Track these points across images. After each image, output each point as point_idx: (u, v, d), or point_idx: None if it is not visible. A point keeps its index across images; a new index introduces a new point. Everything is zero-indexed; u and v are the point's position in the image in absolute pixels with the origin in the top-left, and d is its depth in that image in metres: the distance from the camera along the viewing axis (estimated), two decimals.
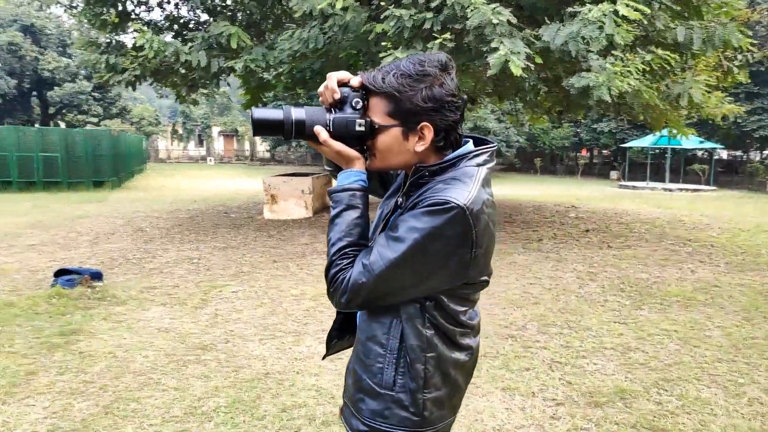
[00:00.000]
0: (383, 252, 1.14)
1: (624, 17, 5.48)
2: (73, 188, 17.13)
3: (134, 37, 8.04)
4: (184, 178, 25.53)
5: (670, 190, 23.26)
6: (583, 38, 5.53)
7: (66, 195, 15.82)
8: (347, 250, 1.21)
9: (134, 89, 9.77)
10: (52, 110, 33.80)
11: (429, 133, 1.19)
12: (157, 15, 11.55)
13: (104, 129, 20.78)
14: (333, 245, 1.22)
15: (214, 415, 3.10)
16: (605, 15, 5.41)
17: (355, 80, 1.22)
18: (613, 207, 14.82)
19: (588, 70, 6.10)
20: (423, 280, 1.16)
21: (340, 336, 1.48)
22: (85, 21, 9.52)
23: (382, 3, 6.48)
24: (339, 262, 1.20)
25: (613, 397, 3.41)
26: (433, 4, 5.93)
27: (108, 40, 9.76)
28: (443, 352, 1.24)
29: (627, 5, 5.50)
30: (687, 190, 23.42)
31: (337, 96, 1.21)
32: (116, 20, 9.26)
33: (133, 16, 10.18)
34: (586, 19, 5.49)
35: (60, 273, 5.79)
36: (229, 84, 12.91)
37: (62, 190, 16.80)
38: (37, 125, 31.11)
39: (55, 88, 31.70)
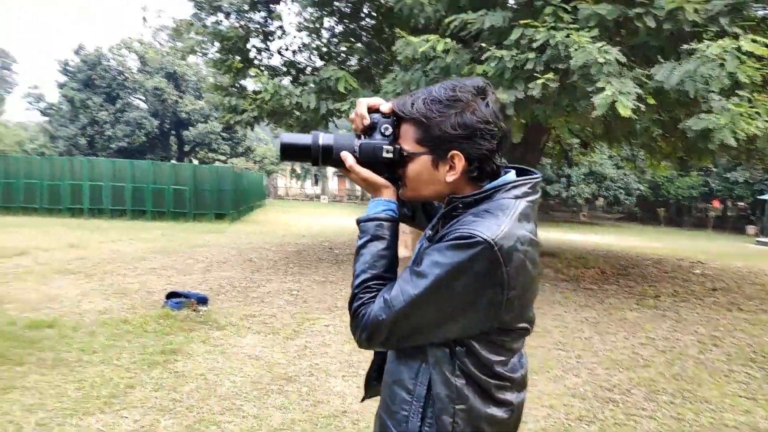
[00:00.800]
0: (405, 287, 1.08)
1: (749, 53, 4.99)
2: (197, 219, 18.62)
3: (253, 81, 8.70)
4: (297, 215, 26.83)
5: None
6: (702, 77, 5.10)
7: (191, 225, 17.23)
8: (371, 283, 1.15)
9: (252, 129, 10.51)
10: (186, 148, 37.40)
11: (460, 162, 1.12)
12: (276, 61, 12.57)
13: (229, 166, 22.54)
14: (357, 277, 1.17)
15: None
16: (726, 51, 4.96)
17: (386, 106, 1.19)
18: (748, 265, 13.30)
19: (709, 111, 5.60)
20: (448, 320, 1.07)
21: (379, 378, 1.39)
22: (213, 66, 10.50)
23: (483, 44, 6.45)
24: (362, 295, 1.15)
25: None
26: (535, 44, 5.81)
27: (231, 84, 10.66)
28: (475, 406, 1.12)
29: (754, 41, 5.01)
30: None
31: (366, 122, 1.19)
32: (239, 66, 10.11)
33: (255, 62, 11.07)
34: (704, 57, 5.07)
35: (171, 295, 6.24)
36: (336, 126, 13.50)
37: (188, 221, 18.32)
38: (173, 161, 34.48)
39: (190, 128, 35.14)
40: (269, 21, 10.70)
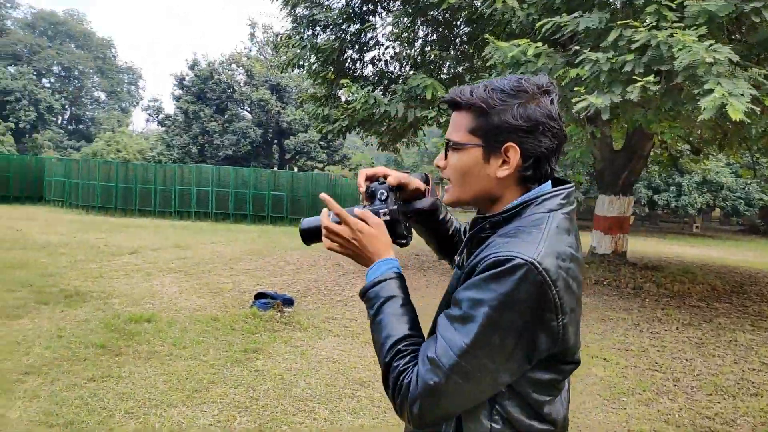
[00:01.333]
0: (451, 338, 0.93)
1: None
2: (294, 223, 19.34)
3: (343, 91, 8.93)
4: None
5: None
6: None
7: (287, 229, 17.94)
8: (401, 346, 1.01)
9: (344, 138, 10.78)
10: (287, 156, 39.11)
11: (515, 156, 1.02)
12: (370, 71, 12.87)
13: (324, 173, 23.31)
14: (383, 345, 1.03)
15: None
16: None
17: (393, 177, 1.21)
18: None
19: None
20: (506, 362, 0.93)
21: None
22: (309, 78, 10.90)
23: (577, 47, 6.15)
24: (396, 363, 0.99)
25: None
26: (635, 46, 5.44)
27: (327, 95, 11.01)
28: None
29: None
30: None
31: (362, 189, 1.20)
32: (333, 77, 10.41)
33: (350, 73, 11.35)
34: None
35: (259, 296, 6.50)
36: (425, 134, 13.49)
37: (285, 225, 19.10)
38: (275, 168, 36.22)
39: (291, 137, 36.73)
40: (364, 33, 10.94)
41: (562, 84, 6.21)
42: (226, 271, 8.82)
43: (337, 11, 10.53)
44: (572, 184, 1.09)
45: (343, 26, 10.73)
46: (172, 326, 5.42)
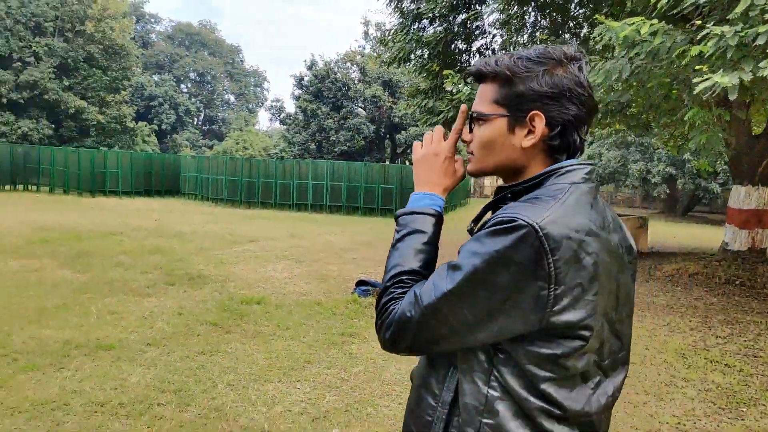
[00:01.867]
0: (438, 281, 0.95)
1: None
2: None
3: (446, 83, 8.88)
4: None
5: None
6: None
7: None
8: (405, 277, 1.04)
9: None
10: (399, 150, 39.65)
11: (540, 124, 1.00)
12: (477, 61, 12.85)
13: None
14: (390, 270, 1.06)
15: None
16: None
17: None
18: None
19: None
20: (485, 319, 0.92)
21: None
22: (416, 71, 10.98)
23: (698, 22, 5.58)
24: (393, 290, 1.03)
25: None
26: None
27: (432, 87, 11.02)
28: (505, 424, 0.93)
29: None
30: None
31: None
32: (437, 68, 10.38)
33: (457, 65, 11.25)
34: None
35: (360, 283, 6.69)
36: None
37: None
38: (387, 162, 36.90)
39: (402, 131, 37.15)
40: (470, 21, 10.78)
41: (683, 63, 5.68)
42: (335, 260, 9.16)
43: (443, 2, 10.47)
44: (594, 162, 1.05)
45: (449, 17, 10.65)
46: (278, 309, 5.76)
